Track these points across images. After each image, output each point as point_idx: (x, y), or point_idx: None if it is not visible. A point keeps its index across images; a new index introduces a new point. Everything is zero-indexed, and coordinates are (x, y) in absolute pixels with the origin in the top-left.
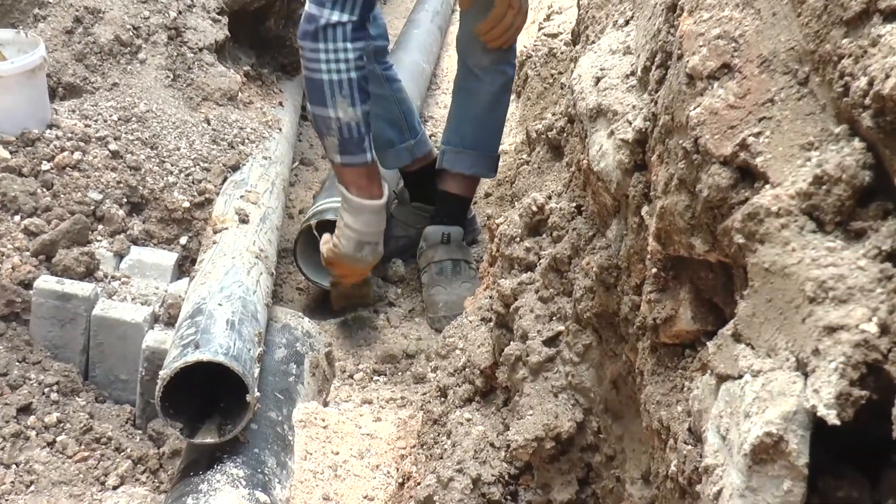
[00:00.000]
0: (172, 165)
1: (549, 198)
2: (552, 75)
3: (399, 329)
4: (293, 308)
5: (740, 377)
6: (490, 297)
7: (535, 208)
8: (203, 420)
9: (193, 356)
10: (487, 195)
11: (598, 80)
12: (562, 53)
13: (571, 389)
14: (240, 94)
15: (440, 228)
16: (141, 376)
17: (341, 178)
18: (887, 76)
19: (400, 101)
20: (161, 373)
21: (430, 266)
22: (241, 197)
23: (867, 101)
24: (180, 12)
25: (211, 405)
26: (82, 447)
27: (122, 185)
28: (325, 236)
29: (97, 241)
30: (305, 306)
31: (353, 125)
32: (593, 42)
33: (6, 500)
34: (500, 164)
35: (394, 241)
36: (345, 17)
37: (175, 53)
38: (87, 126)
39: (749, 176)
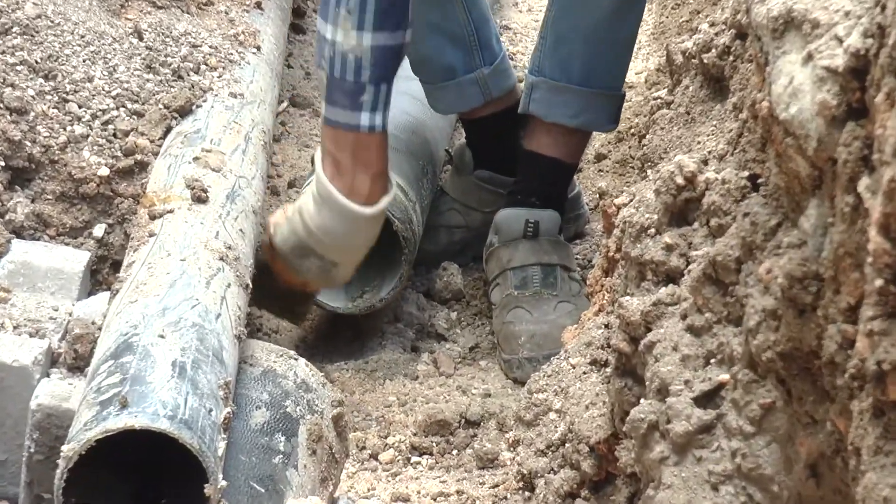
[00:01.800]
0: (81, 107)
1: (705, 163)
2: None
3: (454, 378)
4: (280, 343)
5: None
6: (606, 327)
7: (681, 180)
8: None
9: (118, 421)
10: (600, 158)
11: None
12: None
13: (741, 478)
14: None
15: (523, 213)
16: (29, 454)
17: (322, 140)
18: None
19: (470, 4)
20: (64, 448)
21: (507, 275)
22: (196, 159)
23: None
24: None
25: (147, 500)
26: None
27: None
28: (284, 209)
29: None
30: (300, 340)
31: (350, 59)
32: None
33: None
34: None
35: (445, 234)
36: None
37: None
38: None
39: None
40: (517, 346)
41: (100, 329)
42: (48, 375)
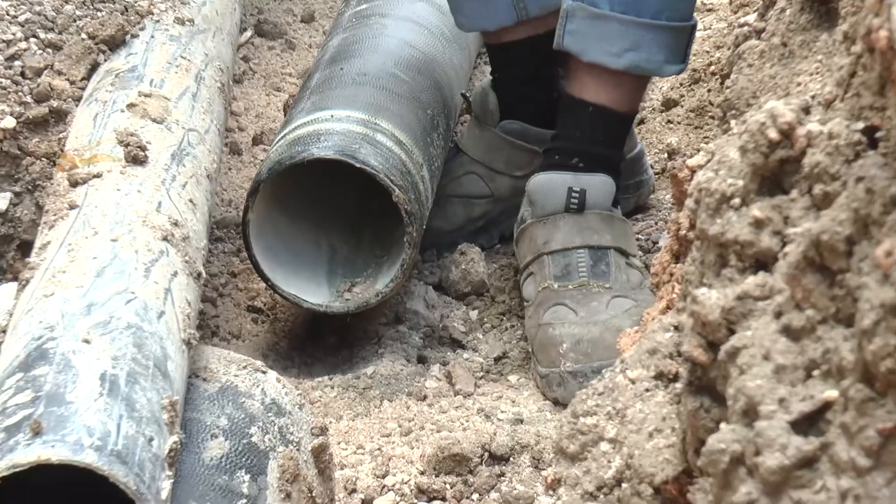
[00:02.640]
0: None
1: (807, 111)
2: None
3: (474, 399)
4: (243, 351)
5: None
6: (675, 329)
7: (774, 134)
8: None
9: (29, 452)
10: (669, 105)
11: None
12: None
13: None
14: None
15: (565, 179)
16: None
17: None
18: None
19: None
20: None
21: (544, 261)
22: (131, 107)
23: None
24: None
25: None
26: None
27: None
28: None
29: None
30: (270, 346)
31: None
32: None
33: None
34: (695, 41)
35: (462, 207)
36: None
37: None
38: None
39: None
40: (558, 356)
41: (4, 332)
42: None
